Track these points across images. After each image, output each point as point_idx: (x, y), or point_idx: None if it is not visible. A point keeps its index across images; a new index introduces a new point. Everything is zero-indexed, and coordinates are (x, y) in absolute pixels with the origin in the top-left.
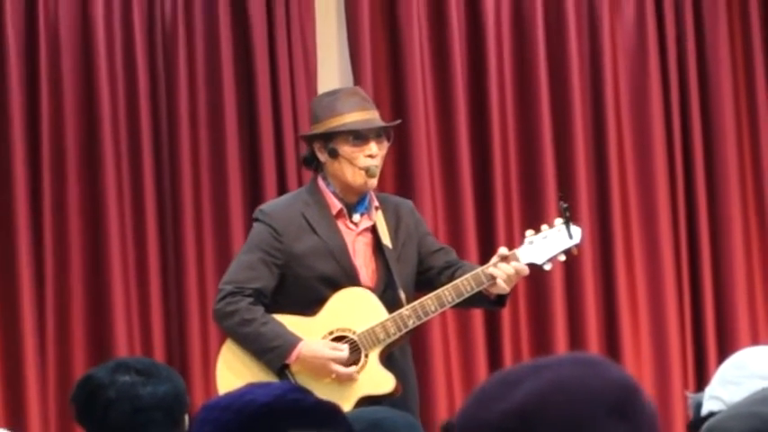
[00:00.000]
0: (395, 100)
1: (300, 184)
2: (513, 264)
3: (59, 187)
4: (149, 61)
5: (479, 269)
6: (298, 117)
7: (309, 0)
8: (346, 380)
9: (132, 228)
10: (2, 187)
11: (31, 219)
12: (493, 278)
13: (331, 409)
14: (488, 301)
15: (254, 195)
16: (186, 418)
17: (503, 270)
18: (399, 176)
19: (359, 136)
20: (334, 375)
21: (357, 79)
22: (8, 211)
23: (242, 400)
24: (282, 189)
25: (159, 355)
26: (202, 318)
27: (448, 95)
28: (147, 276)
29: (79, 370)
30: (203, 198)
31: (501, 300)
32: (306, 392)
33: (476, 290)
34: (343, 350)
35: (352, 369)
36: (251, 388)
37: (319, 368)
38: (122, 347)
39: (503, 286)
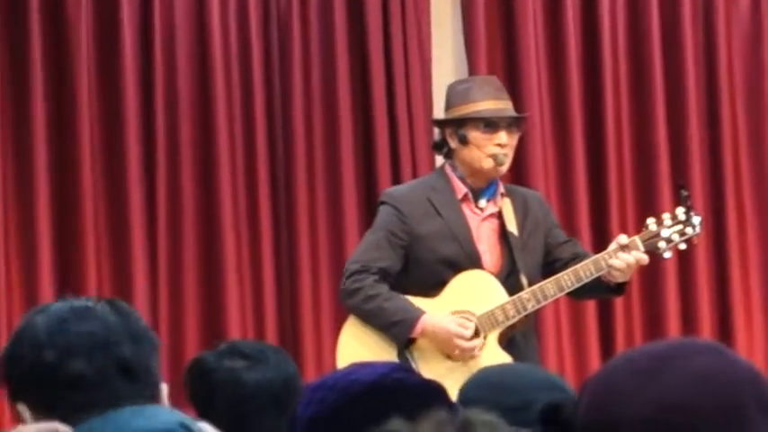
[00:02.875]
0: (509, 90)
1: (414, 172)
2: (634, 253)
3: (174, 175)
4: (264, 53)
5: (599, 255)
6: (412, 106)
7: None
8: (468, 356)
9: (246, 214)
10: (118, 178)
11: (145, 203)
12: (612, 267)
13: (434, 388)
14: (608, 289)
15: (367, 184)
16: None
17: (622, 259)
18: (514, 165)
19: (489, 124)
20: (457, 351)
21: (472, 68)
22: (123, 197)
23: (346, 380)
24: (396, 177)
25: (271, 340)
26: (315, 303)
27: (562, 85)
28: (261, 261)
29: (191, 353)
30: (317, 187)
31: (621, 287)
32: (410, 372)
33: (595, 275)
34: (469, 328)
35: (476, 342)
36: (354, 368)
37: (443, 341)
38: (235, 332)
39: (621, 276)
